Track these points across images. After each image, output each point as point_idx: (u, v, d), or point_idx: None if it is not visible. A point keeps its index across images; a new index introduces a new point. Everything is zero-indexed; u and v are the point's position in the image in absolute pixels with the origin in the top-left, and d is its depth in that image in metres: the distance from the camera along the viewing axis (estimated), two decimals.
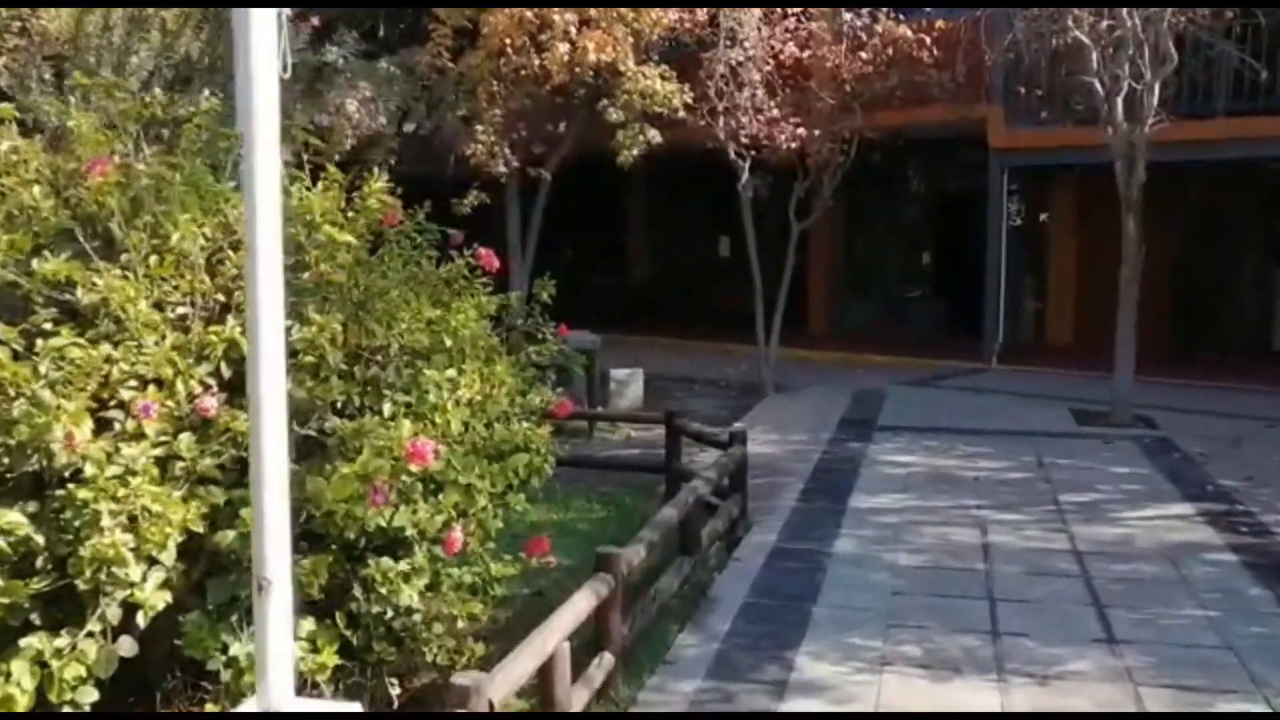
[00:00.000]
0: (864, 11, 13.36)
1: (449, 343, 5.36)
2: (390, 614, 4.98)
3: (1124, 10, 10.94)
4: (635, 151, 13.74)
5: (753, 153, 13.36)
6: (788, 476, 9.24)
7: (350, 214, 5.38)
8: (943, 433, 10.93)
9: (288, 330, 4.78)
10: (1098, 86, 11.20)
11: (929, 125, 14.99)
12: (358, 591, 4.91)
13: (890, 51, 13.26)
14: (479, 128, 13.80)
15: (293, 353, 4.75)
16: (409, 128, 16.79)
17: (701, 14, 13.16)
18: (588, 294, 21.71)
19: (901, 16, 13.53)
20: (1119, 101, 11.15)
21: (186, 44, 10.33)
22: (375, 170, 5.81)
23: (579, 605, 4.93)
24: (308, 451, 4.92)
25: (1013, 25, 12.36)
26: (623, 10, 12.90)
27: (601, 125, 13.98)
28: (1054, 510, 8.11)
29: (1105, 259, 14.38)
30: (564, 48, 12.81)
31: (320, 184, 5.49)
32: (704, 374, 15.37)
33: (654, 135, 13.66)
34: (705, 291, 20.42)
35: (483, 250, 5.69)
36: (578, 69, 13.35)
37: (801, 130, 13.24)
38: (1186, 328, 15.32)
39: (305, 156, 5.68)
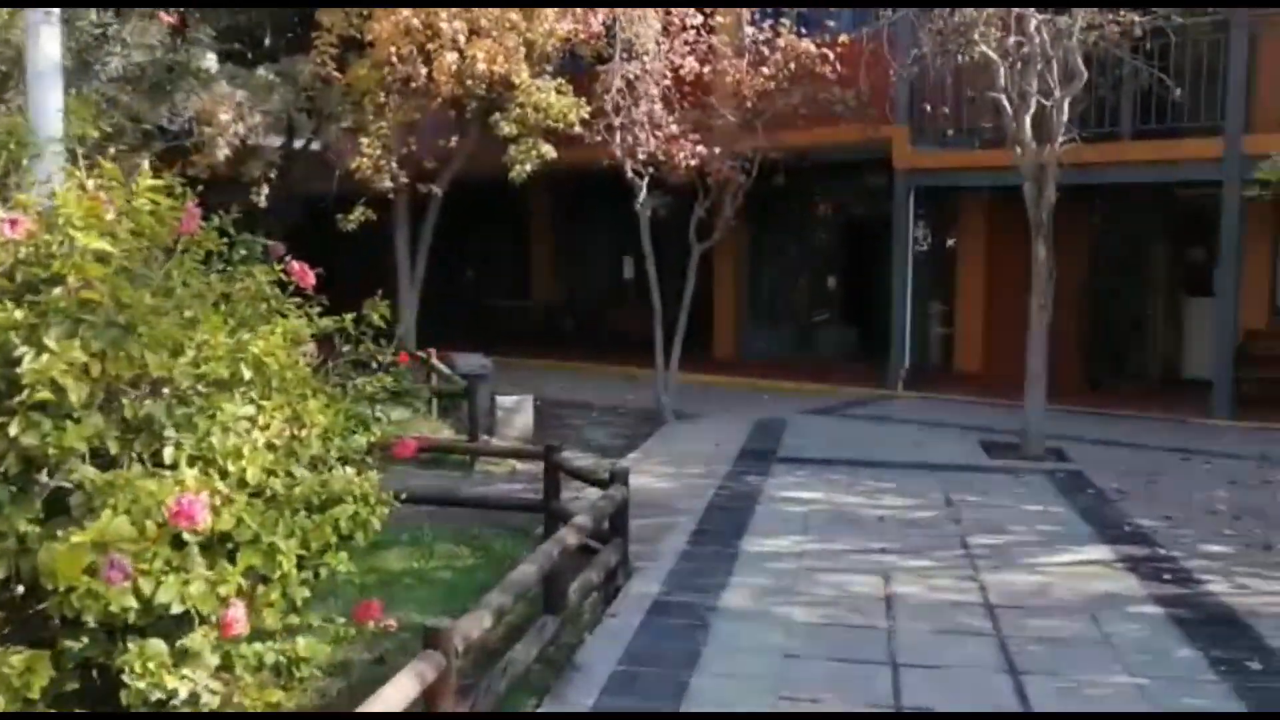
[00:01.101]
0: (766, 25, 12.63)
1: (248, 374, 4.36)
2: (173, 702, 3.96)
3: (1032, 25, 10.34)
4: (529, 167, 12.87)
5: (651, 170, 12.53)
6: (678, 515, 8.34)
7: (122, 218, 4.35)
8: (846, 465, 10.14)
9: (17, 361, 3.77)
10: (1005, 103, 10.57)
11: (834, 146, 14.29)
12: (127, 678, 3.89)
13: (793, 67, 12.53)
14: (364, 141, 12.78)
15: (23, 387, 3.72)
16: (299, 142, 15.76)
17: (597, 24, 12.30)
18: (489, 316, 20.82)
19: (804, 30, 12.83)
20: (1027, 120, 10.54)
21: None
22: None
23: (391, 696, 3.94)
24: (59, 509, 3.91)
25: (918, 40, 11.70)
26: (514, 18, 12.00)
27: (497, 141, 13.10)
28: (964, 555, 7.31)
29: (1014, 284, 13.83)
30: (452, 57, 11.87)
31: (92, 180, 4.45)
32: (604, 400, 14.46)
33: (548, 151, 12.81)
34: (610, 314, 19.56)
35: (295, 264, 4.70)
36: (469, 80, 12.43)
37: (701, 148, 12.44)
38: (1097, 355, 14.82)
39: (81, 152, 4.66)
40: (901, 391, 14.41)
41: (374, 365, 5.34)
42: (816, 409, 13.47)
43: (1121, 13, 10.50)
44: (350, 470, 4.71)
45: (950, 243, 16.90)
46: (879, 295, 16.04)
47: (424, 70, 11.98)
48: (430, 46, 11.88)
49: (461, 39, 11.76)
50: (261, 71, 12.49)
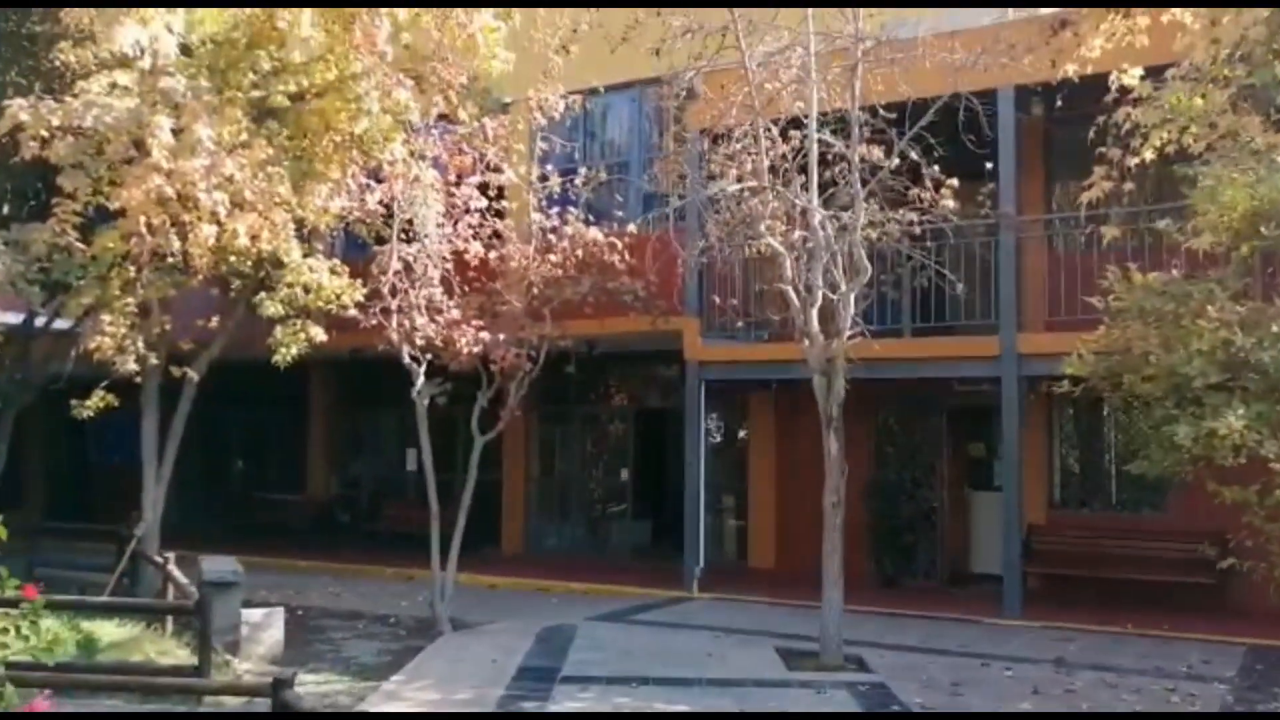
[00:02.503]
0: (553, 212, 12.04)
1: None
2: None
3: (816, 220, 10.08)
4: (295, 351, 11.61)
5: (429, 356, 11.49)
6: None
7: None
8: (637, 684, 8.94)
9: None
10: (793, 296, 10.15)
11: (625, 336, 13.69)
12: None
13: (580, 254, 11.91)
14: (106, 318, 11.24)
15: None
16: (41, 319, 14.03)
17: (373, 203, 11.40)
18: (259, 510, 18.86)
19: (592, 219, 12.31)
20: (814, 313, 10.13)
21: None
22: None
23: None
24: None
25: (705, 232, 11.30)
26: (283, 193, 10.93)
27: (269, 321, 11.86)
28: None
29: (804, 477, 13.31)
30: (210, 230, 10.59)
31: None
32: (375, 607, 12.88)
33: (317, 333, 11.63)
34: (391, 509, 17.99)
35: None
36: (233, 256, 11.24)
37: (485, 334, 11.51)
38: (888, 551, 14.32)
39: None
40: (697, 593, 13.43)
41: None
42: (608, 614, 12.28)
43: (901, 212, 10.40)
44: None
45: (743, 434, 16.42)
46: (673, 488, 15.27)
47: (178, 243, 10.68)
48: (186, 218, 10.62)
49: (222, 211, 10.55)
50: None
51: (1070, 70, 9.16)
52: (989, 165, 11.82)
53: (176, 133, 10.43)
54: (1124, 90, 8.49)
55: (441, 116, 12.08)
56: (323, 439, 19.62)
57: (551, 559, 16.36)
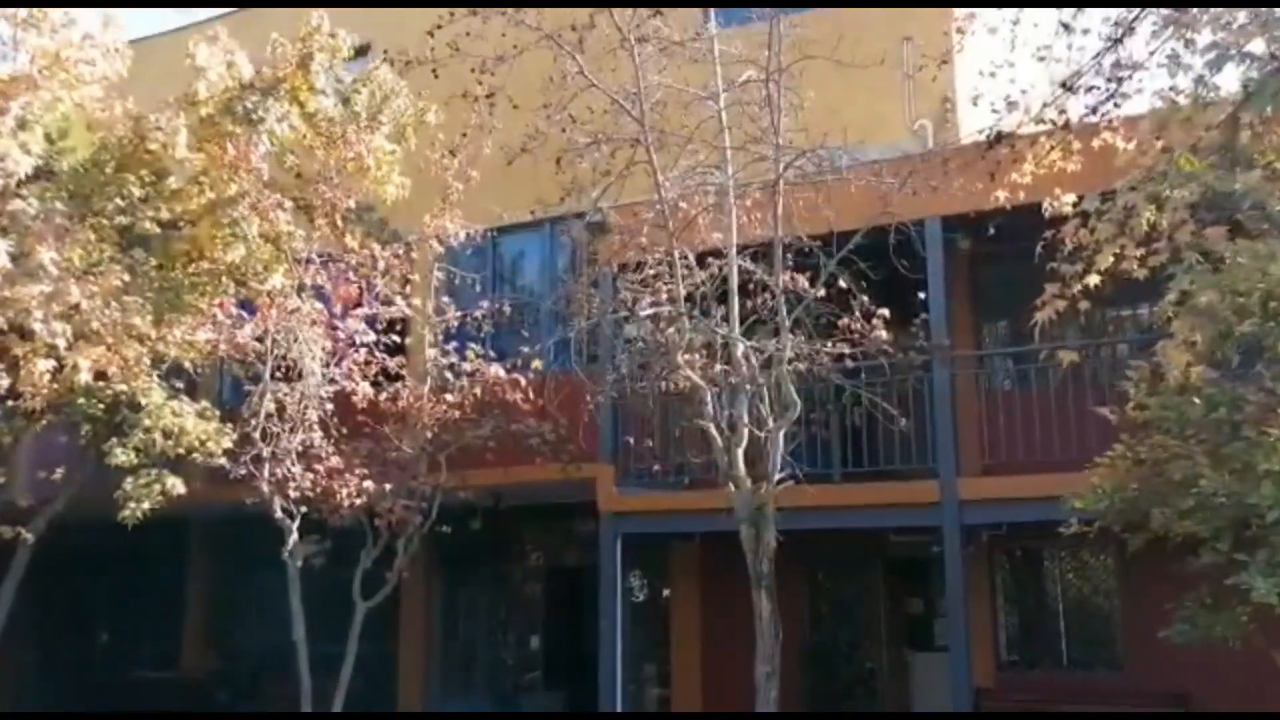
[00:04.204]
0: (450, 348, 10.52)
1: None
2: None
3: (740, 351, 8.71)
4: (147, 505, 9.75)
5: (303, 510, 9.70)
6: None
7: None
8: None
9: None
10: (715, 434, 8.66)
11: (533, 485, 11.97)
12: None
13: (480, 393, 10.36)
14: None
15: None
16: None
17: (244, 336, 9.80)
18: (129, 692, 16.26)
19: (494, 356, 10.80)
20: (740, 454, 8.63)
21: None
22: None
23: None
24: None
25: (617, 364, 9.84)
26: (139, 324, 9.29)
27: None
28: None
29: (732, 638, 11.55)
30: (45, 365, 8.90)
31: None
32: None
33: (175, 485, 9.79)
34: (275, 684, 15.55)
35: None
36: (82, 398, 9.51)
37: (370, 485, 9.78)
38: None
39: None
40: None
41: None
42: None
43: (831, 343, 9.10)
44: None
45: (665, 594, 14.59)
46: (590, 654, 13.28)
47: (6, 381, 8.92)
48: (18, 351, 8.90)
49: (61, 344, 8.85)
50: None
51: (1002, 197, 8.26)
52: (920, 295, 10.66)
53: (17, 257, 8.88)
54: (1058, 218, 7.56)
55: (339, 251, 10.72)
56: (203, 607, 17.22)
57: None
